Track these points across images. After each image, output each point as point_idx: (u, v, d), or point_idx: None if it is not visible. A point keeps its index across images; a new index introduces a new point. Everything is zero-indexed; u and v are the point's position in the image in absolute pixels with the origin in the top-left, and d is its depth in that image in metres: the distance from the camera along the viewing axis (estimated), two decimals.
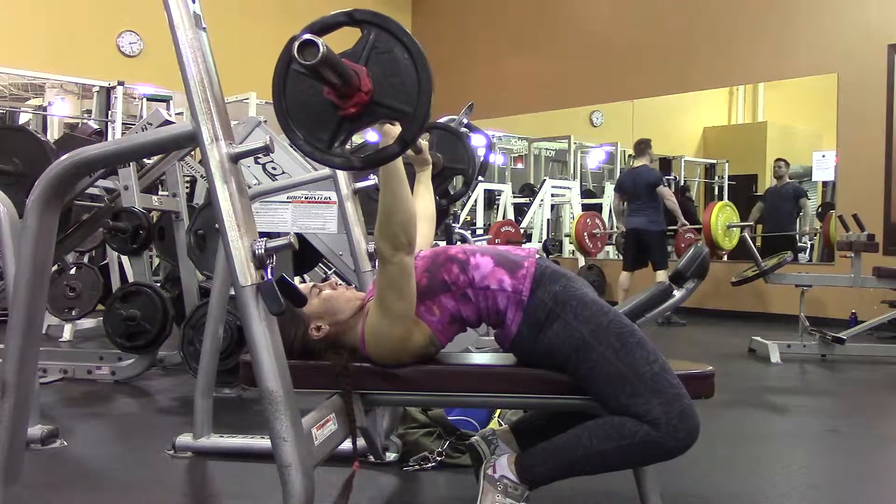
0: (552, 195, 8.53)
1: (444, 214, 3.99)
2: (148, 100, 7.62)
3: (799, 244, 8.04)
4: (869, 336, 5.46)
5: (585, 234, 7.82)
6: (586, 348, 1.73)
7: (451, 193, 3.59)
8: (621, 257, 7.40)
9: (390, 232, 1.69)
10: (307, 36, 1.35)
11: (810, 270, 6.63)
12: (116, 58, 8.06)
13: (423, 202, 2.18)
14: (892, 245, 6.48)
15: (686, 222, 7.29)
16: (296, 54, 1.34)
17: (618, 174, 9.43)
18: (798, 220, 7.93)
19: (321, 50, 1.33)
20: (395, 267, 1.72)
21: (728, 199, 9.00)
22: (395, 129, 1.58)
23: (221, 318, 2.64)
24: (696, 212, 8.53)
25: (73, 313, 4.75)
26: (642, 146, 7.00)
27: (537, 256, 1.87)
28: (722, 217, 6.39)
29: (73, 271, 4.74)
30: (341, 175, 2.69)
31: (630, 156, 9.54)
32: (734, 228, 6.54)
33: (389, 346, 1.80)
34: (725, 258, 8.56)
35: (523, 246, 6.37)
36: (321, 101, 1.48)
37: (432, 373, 1.84)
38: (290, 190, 3.06)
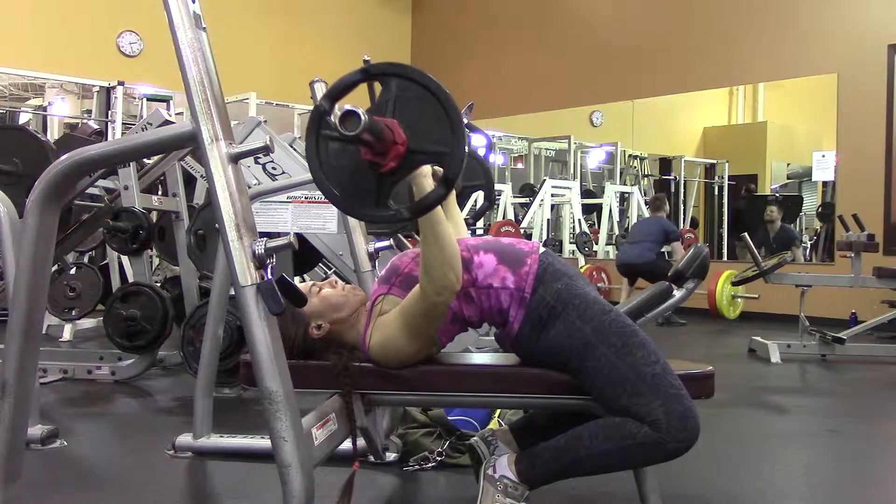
0: (552, 195, 8.52)
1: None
2: (148, 100, 7.62)
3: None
4: (869, 336, 5.46)
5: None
6: (588, 348, 1.73)
7: (475, 213, 3.65)
8: (619, 250, 7.44)
9: (436, 274, 1.68)
10: (348, 107, 1.38)
11: (810, 270, 6.63)
12: (116, 58, 8.07)
13: (455, 228, 2.16)
14: (892, 245, 6.48)
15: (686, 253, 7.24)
16: (338, 126, 1.37)
17: (618, 174, 9.45)
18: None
19: (363, 119, 1.36)
20: (437, 306, 1.72)
21: (728, 199, 9.02)
22: (427, 172, 1.58)
23: (221, 318, 2.64)
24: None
25: (73, 313, 4.75)
26: (658, 202, 7.28)
27: (541, 251, 1.86)
28: (727, 288, 6.44)
29: (73, 271, 4.74)
30: None
31: (630, 156, 9.58)
32: (739, 299, 6.60)
33: (400, 358, 1.80)
34: (725, 258, 8.58)
35: None
36: (359, 161, 1.48)
37: (432, 373, 1.83)
38: (290, 190, 3.06)
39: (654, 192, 9.55)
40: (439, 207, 1.65)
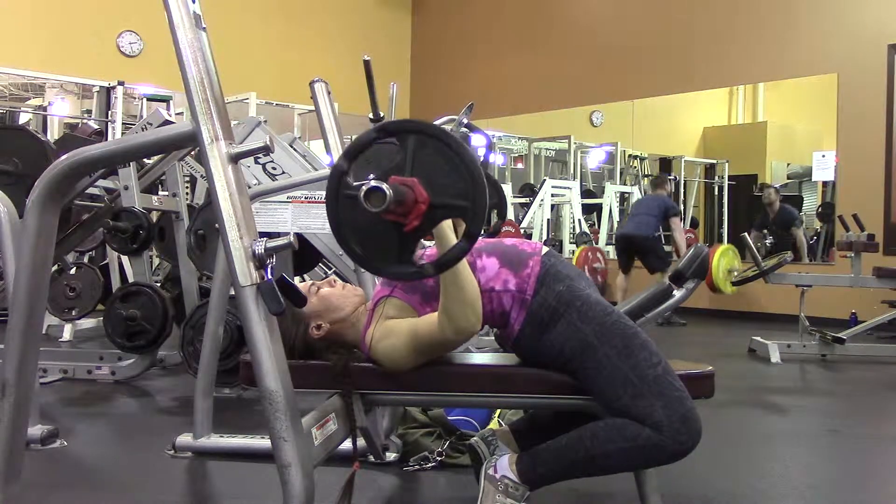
0: (552, 195, 8.53)
1: None
2: (148, 100, 7.62)
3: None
4: (869, 336, 5.46)
5: (586, 267, 7.82)
6: (589, 349, 1.73)
7: (490, 231, 3.69)
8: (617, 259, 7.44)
9: (456, 316, 1.68)
10: (373, 183, 1.41)
11: (810, 270, 6.63)
12: (116, 58, 8.07)
13: None
14: (892, 245, 6.48)
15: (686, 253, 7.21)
16: (363, 202, 1.40)
17: (618, 174, 9.45)
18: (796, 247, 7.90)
19: (388, 195, 1.39)
20: (453, 343, 1.74)
21: (728, 199, 9.02)
22: (448, 224, 1.58)
23: (221, 318, 2.64)
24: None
25: (73, 313, 4.75)
26: (658, 181, 7.25)
27: (544, 253, 1.86)
28: (724, 261, 6.42)
29: (73, 271, 4.74)
30: None
31: (630, 156, 9.58)
32: (735, 272, 6.58)
33: (400, 367, 1.80)
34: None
35: None
36: (381, 223, 1.48)
37: (432, 373, 1.83)
38: (290, 190, 3.06)
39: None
40: (464, 260, 1.65)
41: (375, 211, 1.40)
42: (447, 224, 1.60)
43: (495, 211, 2.91)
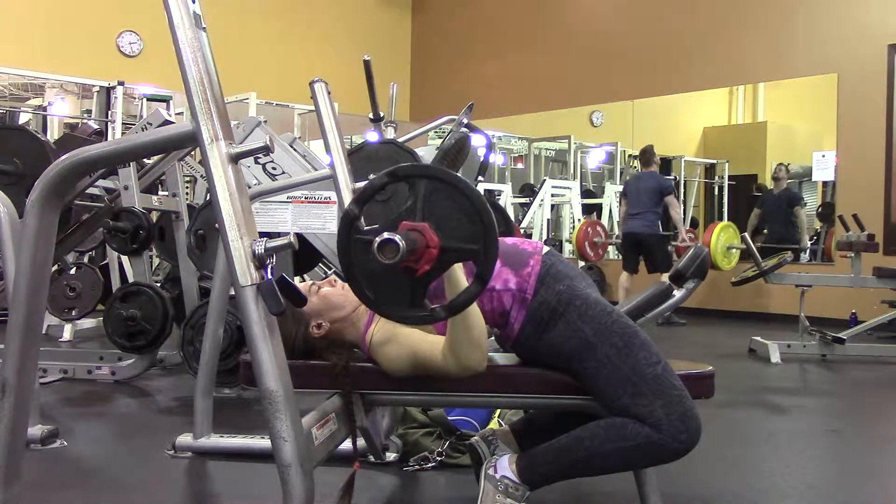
0: (552, 195, 8.52)
1: None
2: (148, 100, 7.62)
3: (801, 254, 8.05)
4: (869, 336, 5.46)
5: (587, 242, 7.82)
6: (589, 348, 1.73)
7: None
8: (621, 258, 7.42)
9: (462, 354, 1.70)
10: (386, 235, 1.43)
11: (810, 270, 6.63)
12: (116, 58, 8.07)
13: None
14: (892, 245, 6.48)
15: (686, 238, 7.18)
16: (377, 254, 1.42)
17: (618, 174, 9.44)
18: (797, 226, 7.91)
19: (401, 247, 1.41)
20: (455, 375, 1.75)
21: (728, 199, 9.02)
22: (459, 266, 1.60)
23: (221, 318, 2.64)
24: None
25: (73, 313, 4.75)
26: (647, 156, 7.08)
27: (545, 252, 1.86)
28: (723, 238, 6.42)
29: (73, 271, 4.74)
30: (341, 175, 2.68)
31: (630, 155, 9.57)
32: (734, 250, 6.58)
33: (400, 376, 1.81)
34: None
35: None
36: (393, 268, 1.49)
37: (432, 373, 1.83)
38: (290, 190, 3.06)
39: None
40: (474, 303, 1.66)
41: (389, 263, 1.42)
42: (458, 267, 1.62)
43: None
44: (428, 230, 1.48)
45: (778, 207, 7.85)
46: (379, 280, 1.53)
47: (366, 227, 1.51)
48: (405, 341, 1.77)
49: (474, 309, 1.69)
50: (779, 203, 7.84)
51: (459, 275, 1.62)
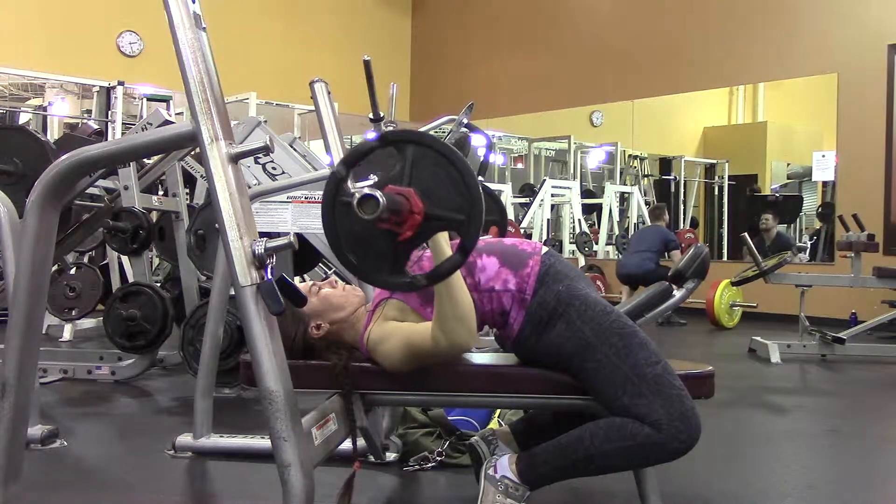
0: (552, 195, 8.53)
1: None
2: (148, 100, 7.63)
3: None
4: (869, 336, 5.46)
5: None
6: (589, 348, 1.73)
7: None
8: (621, 257, 7.44)
9: (448, 329, 1.68)
10: (367, 190, 1.40)
11: (810, 270, 6.63)
12: (116, 58, 8.07)
13: None
14: (892, 245, 6.48)
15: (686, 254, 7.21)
16: (357, 209, 1.39)
17: (618, 174, 9.44)
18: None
19: (381, 202, 1.38)
20: (445, 356, 1.74)
21: (728, 199, 9.02)
22: (444, 235, 1.59)
23: (221, 318, 2.64)
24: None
25: (73, 313, 4.75)
26: (658, 211, 7.31)
27: (544, 252, 1.86)
28: (726, 296, 6.46)
29: (73, 271, 4.74)
30: None
31: (630, 156, 9.58)
32: (737, 308, 6.61)
33: (400, 370, 1.80)
34: (725, 258, 8.57)
35: None
36: (376, 231, 1.49)
37: (432, 373, 1.83)
38: (290, 190, 3.06)
39: (654, 192, 9.56)
40: (458, 273, 1.65)
41: (368, 218, 1.39)
42: (443, 236, 1.60)
43: (497, 228, 2.91)
44: (413, 196, 1.47)
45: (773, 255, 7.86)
46: (361, 244, 1.52)
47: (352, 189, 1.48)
48: (398, 334, 1.77)
49: (460, 284, 1.68)
50: (772, 251, 7.85)
51: (443, 244, 1.61)
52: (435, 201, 1.48)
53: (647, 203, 8.90)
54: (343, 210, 1.50)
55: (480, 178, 3.65)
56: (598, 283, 8.05)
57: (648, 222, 8.13)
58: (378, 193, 1.39)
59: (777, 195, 8.64)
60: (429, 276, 1.54)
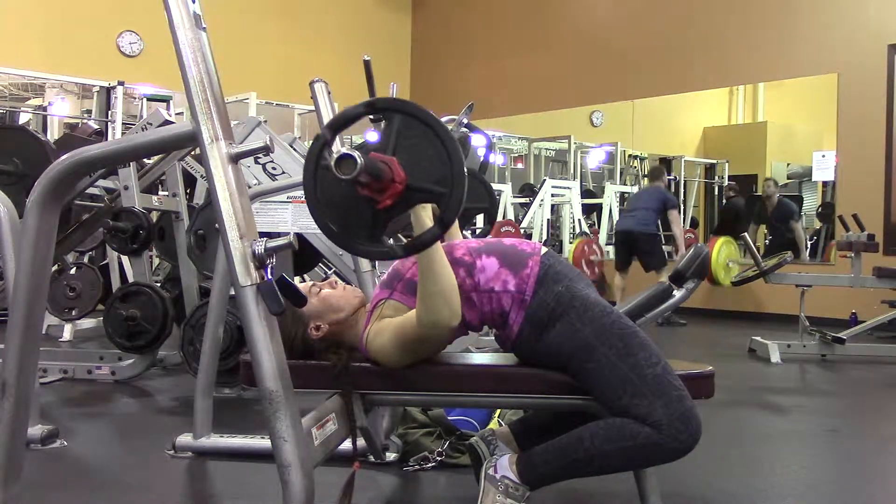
0: (552, 195, 8.52)
1: None
2: (148, 100, 7.63)
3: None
4: (869, 336, 5.46)
5: (583, 260, 7.82)
6: (589, 349, 1.73)
7: (477, 235, 3.65)
8: (618, 218, 7.44)
9: (431, 307, 1.68)
10: (344, 150, 1.38)
11: (810, 270, 6.63)
12: (116, 58, 8.07)
13: None
14: (892, 245, 6.48)
15: (685, 252, 7.18)
16: (334, 169, 1.38)
17: (618, 174, 9.45)
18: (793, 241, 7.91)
19: (359, 163, 1.37)
20: (432, 337, 1.73)
21: (728, 199, 9.01)
22: (427, 209, 1.58)
23: (221, 318, 2.64)
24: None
25: (73, 313, 4.75)
26: (656, 172, 7.19)
27: (543, 253, 1.86)
28: (724, 253, 6.43)
29: (73, 271, 4.74)
30: None
31: (630, 156, 9.58)
32: (734, 265, 6.59)
33: (398, 364, 1.81)
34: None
35: None
36: (356, 197, 1.48)
37: (432, 373, 1.83)
38: (290, 190, 3.06)
39: None
40: (438, 245, 1.65)
41: (345, 178, 1.38)
42: (425, 209, 1.60)
43: (484, 215, 2.91)
44: (395, 164, 1.47)
45: (778, 222, 7.88)
46: (342, 211, 1.51)
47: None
48: (389, 327, 1.78)
49: (440, 258, 1.68)
50: (777, 218, 7.87)
51: (424, 216, 1.60)
52: (418, 172, 1.48)
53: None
54: (325, 175, 1.49)
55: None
56: (595, 247, 7.96)
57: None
58: (356, 154, 1.38)
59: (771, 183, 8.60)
60: (407, 246, 1.53)
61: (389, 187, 1.46)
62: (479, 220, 4.42)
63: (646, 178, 9.54)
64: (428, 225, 1.58)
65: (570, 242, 8.55)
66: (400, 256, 1.54)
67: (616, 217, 8.87)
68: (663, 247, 7.22)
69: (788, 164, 8.85)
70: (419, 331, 1.71)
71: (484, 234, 3.52)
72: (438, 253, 1.67)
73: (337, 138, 1.53)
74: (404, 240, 1.77)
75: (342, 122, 1.51)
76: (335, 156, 1.39)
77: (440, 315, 1.68)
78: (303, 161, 3.68)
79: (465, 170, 1.47)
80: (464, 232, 5.42)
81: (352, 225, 1.52)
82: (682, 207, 9.12)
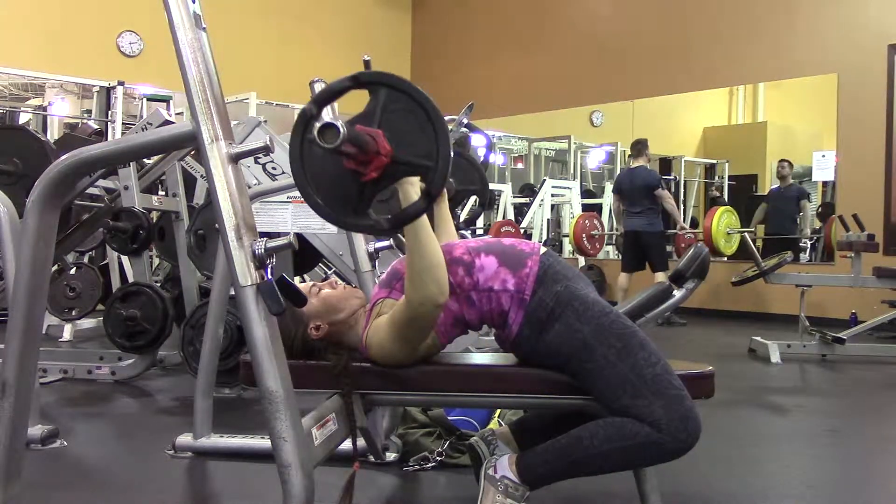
0: (552, 195, 8.53)
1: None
2: (148, 100, 7.63)
3: (800, 244, 8.07)
4: (869, 336, 5.46)
5: (584, 235, 7.83)
6: (588, 349, 1.73)
7: (468, 217, 3.64)
8: (621, 257, 7.42)
9: (418, 284, 1.67)
10: (327, 119, 1.37)
11: (810, 270, 6.63)
12: (116, 58, 8.07)
13: (445, 235, 2.14)
14: (892, 245, 6.48)
15: (685, 225, 7.23)
16: (317, 138, 1.36)
17: (618, 174, 9.44)
18: (799, 220, 7.94)
19: (342, 132, 1.35)
20: (422, 317, 1.71)
21: (728, 199, 9.02)
22: (414, 181, 1.58)
23: (221, 318, 2.64)
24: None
25: (73, 313, 4.76)
26: (639, 147, 6.95)
27: (542, 252, 1.86)
28: (723, 222, 6.42)
29: (73, 271, 4.74)
30: None
31: (630, 156, 9.57)
32: (734, 234, 6.56)
33: (396, 361, 1.81)
34: (726, 259, 8.57)
35: None
36: (341, 169, 1.47)
37: (432, 373, 1.83)
38: (290, 190, 3.06)
39: None
40: (425, 219, 1.64)
41: (328, 147, 1.36)
42: (412, 183, 1.59)
43: (476, 198, 2.89)
44: (381, 137, 1.46)
45: (786, 202, 7.85)
46: (327, 185, 1.50)
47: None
48: (384, 320, 1.78)
49: (427, 233, 1.67)
50: (786, 198, 7.84)
51: (410, 189, 1.60)
52: (403, 146, 1.47)
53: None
54: (311, 150, 1.48)
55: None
56: (596, 221, 7.92)
57: None
58: (339, 123, 1.36)
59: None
60: (392, 219, 1.53)
61: (374, 159, 1.45)
62: (481, 222, 4.41)
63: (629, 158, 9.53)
64: (414, 198, 1.57)
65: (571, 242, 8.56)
66: (386, 229, 1.53)
67: (616, 220, 8.88)
68: (667, 247, 7.21)
69: (792, 165, 8.85)
70: (409, 312, 1.71)
71: (475, 216, 3.49)
72: (425, 228, 1.66)
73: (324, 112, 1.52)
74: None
75: (327, 96, 1.50)
76: (318, 126, 1.37)
77: (427, 290, 1.67)
78: None
79: (452, 143, 1.47)
80: (463, 232, 5.42)
81: (338, 198, 1.51)
82: (682, 207, 9.13)
